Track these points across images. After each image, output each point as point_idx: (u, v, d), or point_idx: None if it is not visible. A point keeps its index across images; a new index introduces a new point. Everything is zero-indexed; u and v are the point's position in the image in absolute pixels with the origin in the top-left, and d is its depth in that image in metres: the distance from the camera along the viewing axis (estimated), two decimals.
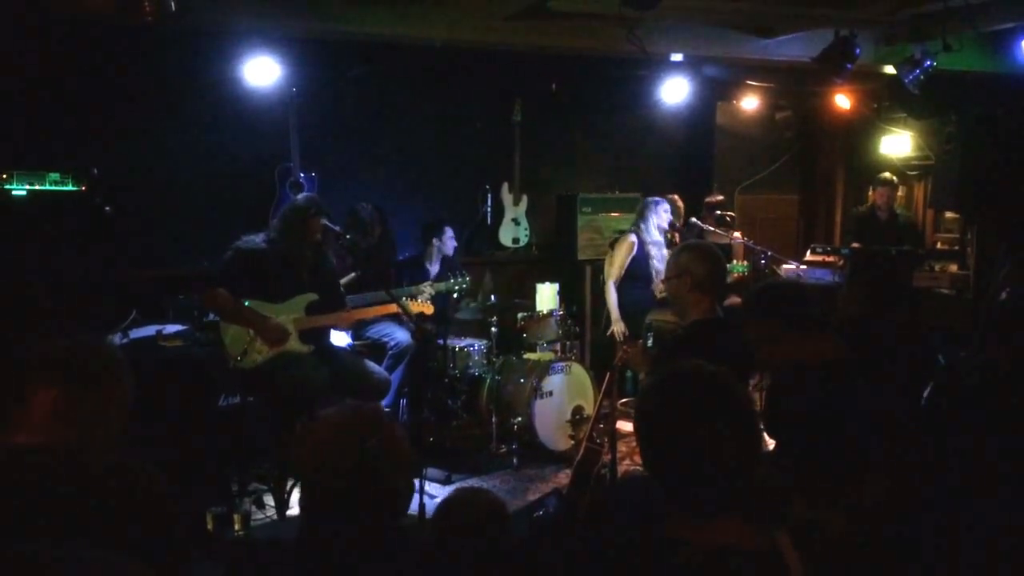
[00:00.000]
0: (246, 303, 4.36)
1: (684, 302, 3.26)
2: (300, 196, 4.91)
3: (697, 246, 3.50)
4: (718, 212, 7.14)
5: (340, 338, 5.30)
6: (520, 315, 5.92)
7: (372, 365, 4.82)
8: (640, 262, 6.05)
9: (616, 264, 6.12)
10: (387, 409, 5.40)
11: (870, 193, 7.42)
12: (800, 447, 2.64)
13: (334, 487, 1.70)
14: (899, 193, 7.64)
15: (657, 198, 6.18)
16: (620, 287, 6.11)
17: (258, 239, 4.46)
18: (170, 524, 1.71)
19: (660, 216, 6.08)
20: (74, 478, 1.64)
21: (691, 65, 6.58)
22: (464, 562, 2.03)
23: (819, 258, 6.91)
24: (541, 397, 5.46)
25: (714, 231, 6.69)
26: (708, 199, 7.35)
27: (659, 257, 5.97)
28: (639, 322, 5.86)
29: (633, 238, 6.08)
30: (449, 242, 5.99)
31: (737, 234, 6.84)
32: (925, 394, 2.77)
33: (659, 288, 5.93)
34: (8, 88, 5.01)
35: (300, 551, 1.73)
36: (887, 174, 7.38)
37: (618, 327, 6.04)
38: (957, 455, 2.45)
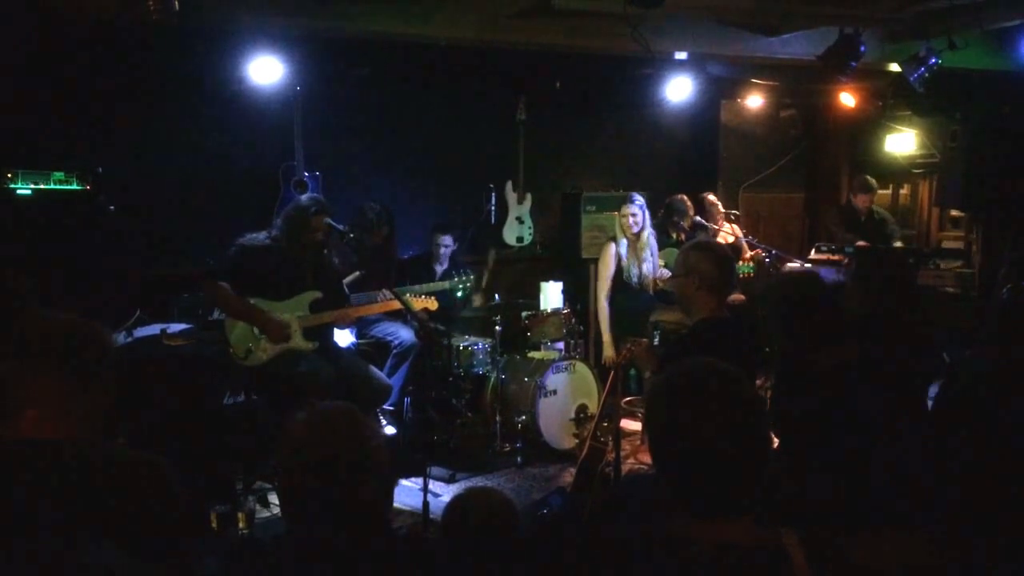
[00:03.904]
0: (252, 301, 4.37)
1: (691, 301, 3.25)
2: (304, 196, 4.92)
3: (705, 245, 3.49)
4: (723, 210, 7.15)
5: (344, 337, 5.30)
6: (524, 314, 5.91)
7: (375, 370, 4.83)
8: (622, 268, 5.98)
9: (602, 276, 6.04)
10: (391, 408, 5.41)
11: (853, 198, 7.41)
12: (805, 444, 2.63)
13: (308, 487, 1.67)
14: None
15: (628, 199, 6.00)
16: (612, 296, 6.02)
17: (261, 237, 4.48)
18: (176, 518, 1.70)
19: (621, 219, 5.97)
20: (80, 472, 1.63)
21: (695, 63, 6.56)
22: (472, 560, 2.03)
23: (824, 256, 6.91)
24: (545, 396, 5.45)
25: (716, 228, 6.71)
26: (707, 196, 7.32)
27: (632, 259, 5.92)
28: (639, 325, 5.81)
29: (612, 247, 6.00)
30: (441, 249, 5.97)
31: (734, 227, 6.87)
32: (934, 394, 2.76)
33: (654, 283, 5.90)
34: (12, 87, 5.01)
35: (284, 550, 1.71)
36: (871, 180, 7.41)
37: (608, 352, 5.92)
38: (965, 454, 2.44)
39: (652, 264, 5.98)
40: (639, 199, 5.98)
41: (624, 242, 5.95)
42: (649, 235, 6.00)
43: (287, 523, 1.75)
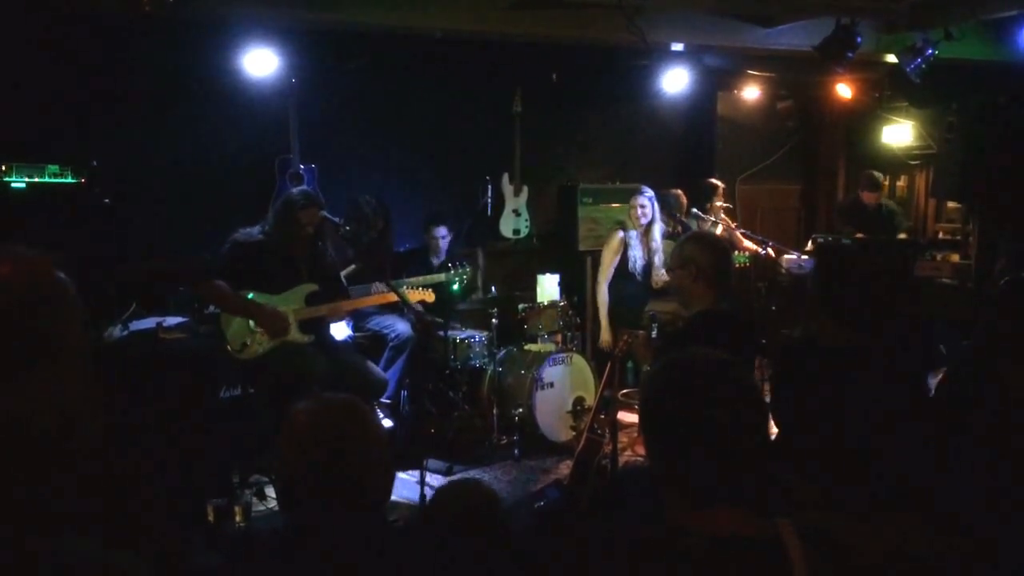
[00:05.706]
0: (250, 296, 4.36)
1: (688, 292, 3.24)
2: (295, 189, 4.92)
3: (701, 236, 3.48)
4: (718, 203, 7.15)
5: (341, 329, 5.29)
6: (521, 306, 5.91)
7: (371, 363, 4.82)
8: (627, 257, 6.02)
9: (605, 262, 6.07)
10: (388, 401, 5.40)
11: (860, 194, 7.41)
12: (803, 436, 2.63)
13: (308, 480, 1.67)
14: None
15: (638, 191, 6.05)
16: (612, 284, 6.04)
17: (254, 231, 4.48)
18: (147, 511, 1.66)
19: (630, 210, 6.00)
20: (61, 466, 1.60)
21: (692, 54, 6.56)
22: (458, 551, 2.02)
23: None
24: (542, 388, 5.45)
25: (709, 219, 6.71)
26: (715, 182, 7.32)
27: (637, 249, 5.95)
28: (634, 316, 5.81)
29: (620, 234, 6.03)
30: (439, 242, 5.94)
31: (725, 219, 6.88)
32: (934, 384, 2.76)
33: (657, 280, 5.89)
34: (7, 81, 4.99)
35: (283, 544, 1.71)
36: (877, 176, 7.42)
37: (605, 336, 5.96)
38: (966, 447, 2.44)
39: (660, 257, 5.95)
40: (648, 191, 6.00)
41: (633, 232, 5.97)
42: (660, 230, 6.00)
43: (285, 514, 1.74)
